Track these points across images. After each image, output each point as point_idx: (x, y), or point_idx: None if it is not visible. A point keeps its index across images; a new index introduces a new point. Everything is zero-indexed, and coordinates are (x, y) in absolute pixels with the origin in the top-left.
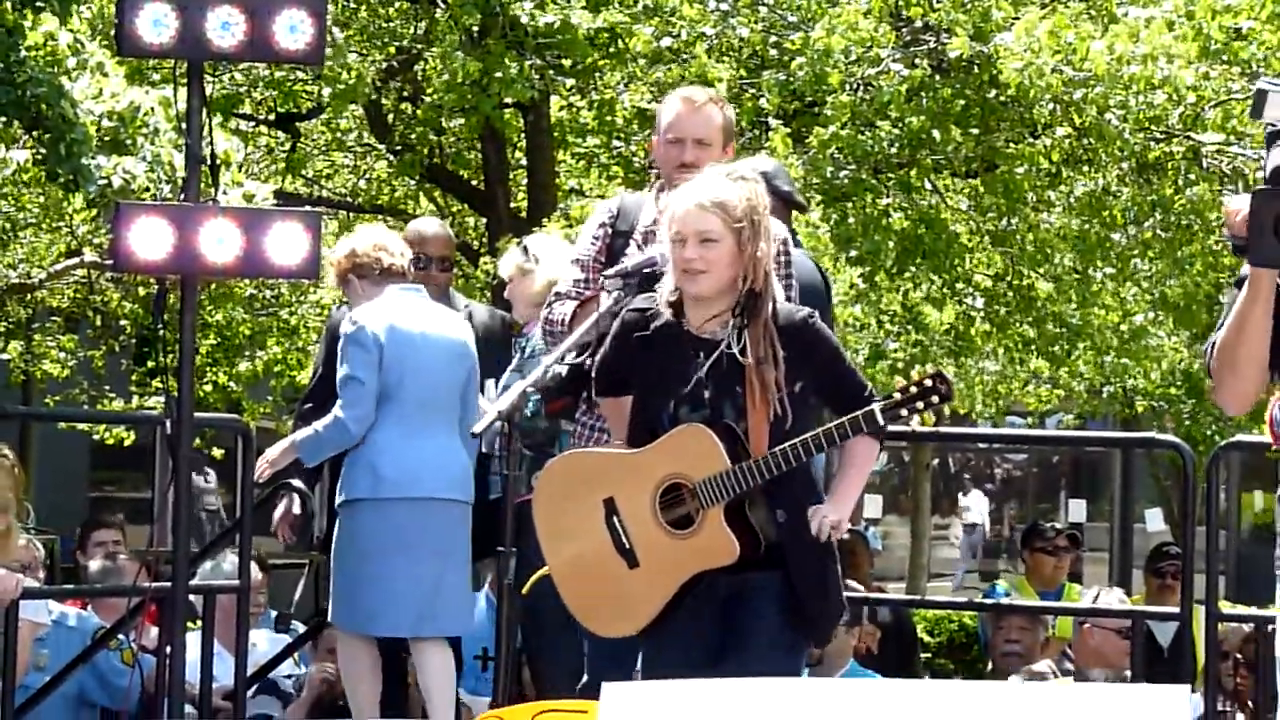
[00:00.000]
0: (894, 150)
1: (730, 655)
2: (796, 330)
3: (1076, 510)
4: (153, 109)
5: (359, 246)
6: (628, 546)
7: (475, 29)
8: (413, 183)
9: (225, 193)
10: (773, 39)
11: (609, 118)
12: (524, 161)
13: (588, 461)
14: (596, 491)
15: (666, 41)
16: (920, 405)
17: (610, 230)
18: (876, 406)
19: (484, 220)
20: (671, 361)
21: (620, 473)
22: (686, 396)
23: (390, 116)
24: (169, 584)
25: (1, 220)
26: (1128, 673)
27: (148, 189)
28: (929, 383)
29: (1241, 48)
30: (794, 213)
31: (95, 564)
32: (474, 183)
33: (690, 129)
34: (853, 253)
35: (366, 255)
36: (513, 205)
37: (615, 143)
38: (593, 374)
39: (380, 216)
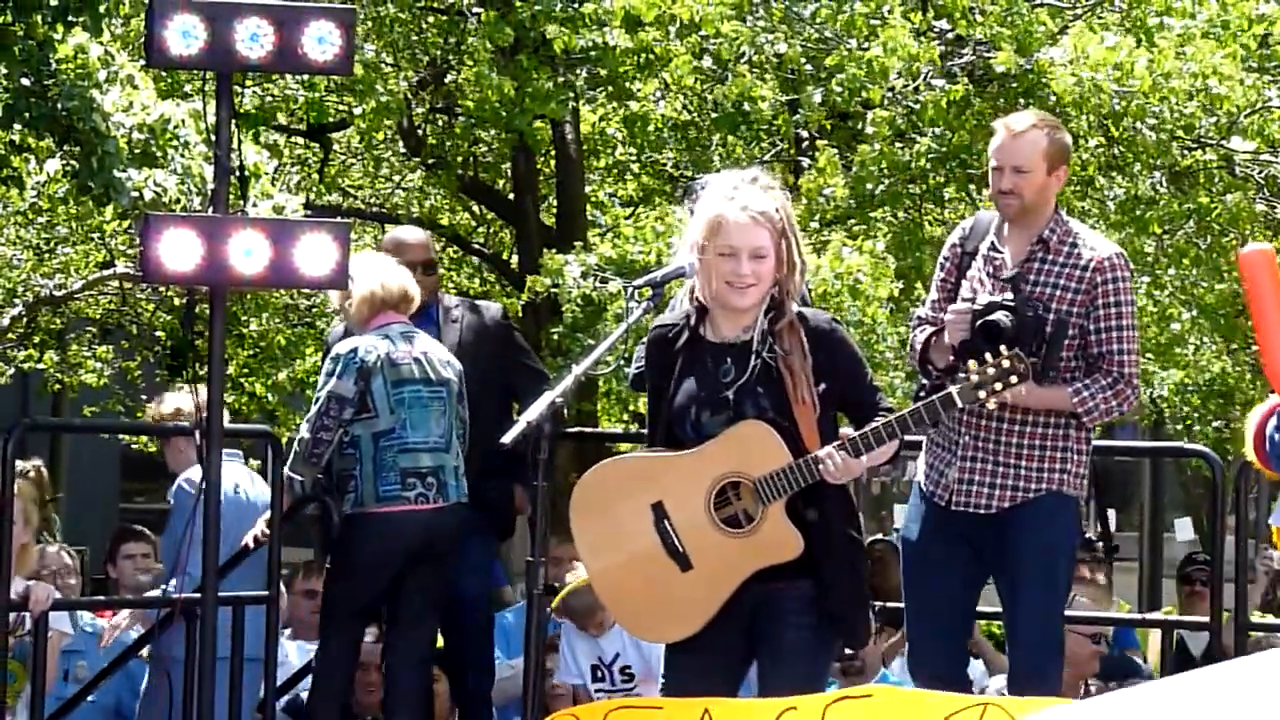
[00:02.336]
0: (930, 166)
1: (761, 662)
2: (823, 334)
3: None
4: (183, 121)
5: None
6: (680, 550)
7: (507, 45)
8: (444, 194)
9: (255, 205)
10: (810, 53)
11: (642, 128)
12: (552, 173)
13: (627, 468)
14: (643, 496)
15: (706, 61)
16: (998, 386)
17: (960, 250)
18: (955, 389)
19: (516, 231)
20: (693, 372)
21: (668, 476)
22: (707, 402)
23: (422, 129)
24: (198, 595)
25: (37, 232)
26: (1095, 680)
27: (179, 201)
28: (1007, 363)
29: (1277, 52)
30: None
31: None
32: (505, 194)
33: (1008, 156)
34: (894, 263)
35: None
36: (541, 216)
37: (647, 152)
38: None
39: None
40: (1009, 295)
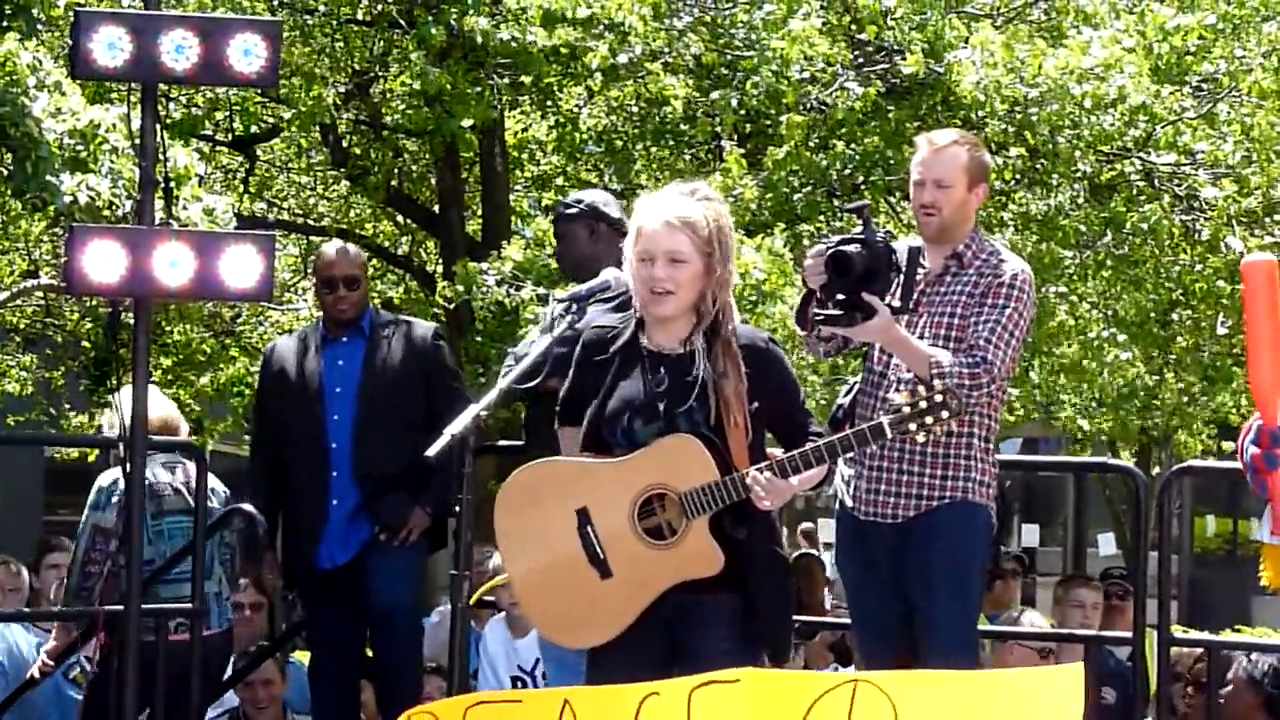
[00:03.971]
0: (848, 171)
1: (680, 672)
2: (758, 353)
3: (1029, 535)
4: (114, 125)
5: None
6: (601, 557)
7: (440, 47)
8: (368, 205)
9: (185, 207)
10: (727, 57)
11: (570, 135)
12: (477, 180)
13: (558, 471)
14: (568, 501)
15: (622, 58)
16: (929, 420)
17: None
18: (885, 420)
19: (440, 242)
20: (628, 377)
21: (595, 482)
22: (640, 410)
23: (347, 140)
24: (121, 606)
25: None
26: None
27: (111, 205)
28: (939, 397)
29: (1194, 63)
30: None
31: None
32: (430, 206)
33: (930, 170)
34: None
35: None
36: (468, 228)
37: (574, 161)
38: (560, 404)
39: (337, 238)
40: (858, 229)
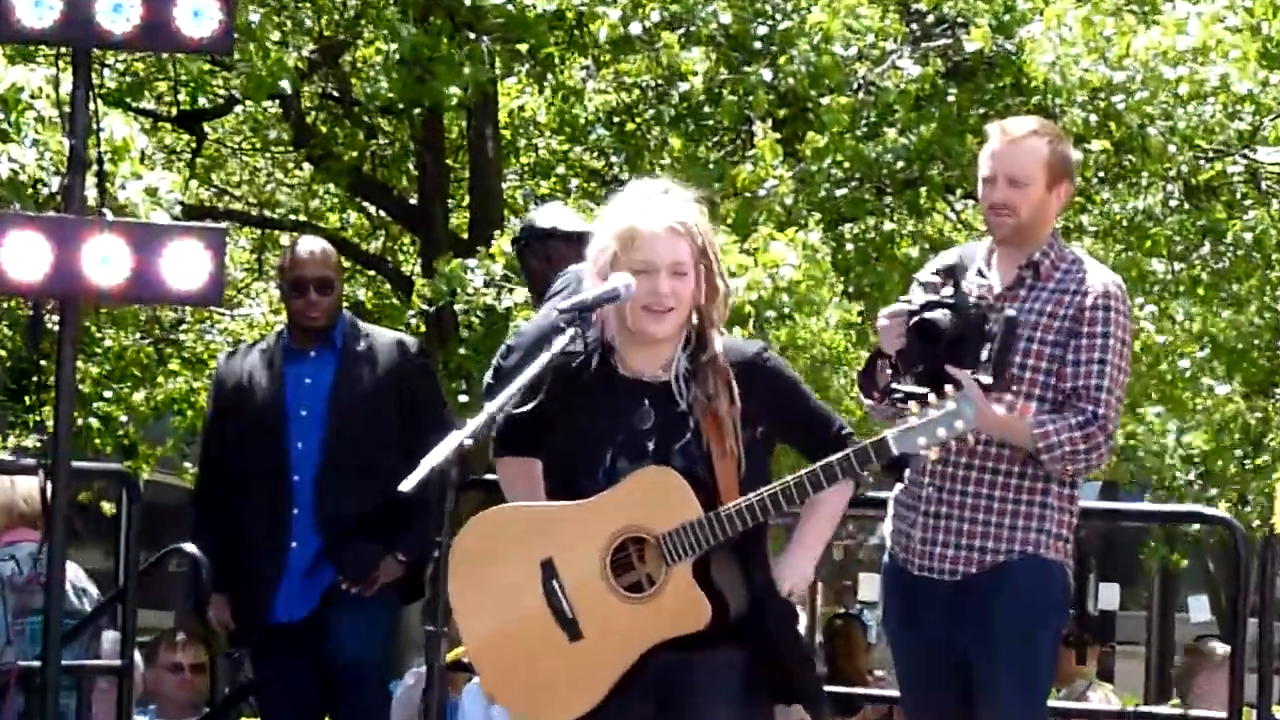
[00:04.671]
0: (901, 164)
1: None
2: (750, 367)
3: (1108, 595)
4: (40, 90)
5: None
6: (569, 616)
7: (421, 6)
8: (335, 193)
9: (123, 187)
10: (759, 28)
11: (572, 113)
12: (464, 162)
13: (515, 518)
14: (531, 552)
15: (635, 28)
16: (942, 433)
17: (945, 276)
18: (891, 435)
19: (419, 239)
20: (605, 411)
21: (561, 529)
22: (625, 446)
23: (311, 116)
24: (38, 663)
25: None
26: None
27: (39, 182)
28: (953, 404)
29: None
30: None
31: None
32: (408, 196)
33: (1003, 165)
34: (853, 285)
35: None
36: (452, 222)
37: (577, 143)
38: (501, 428)
39: (300, 233)
40: (948, 291)
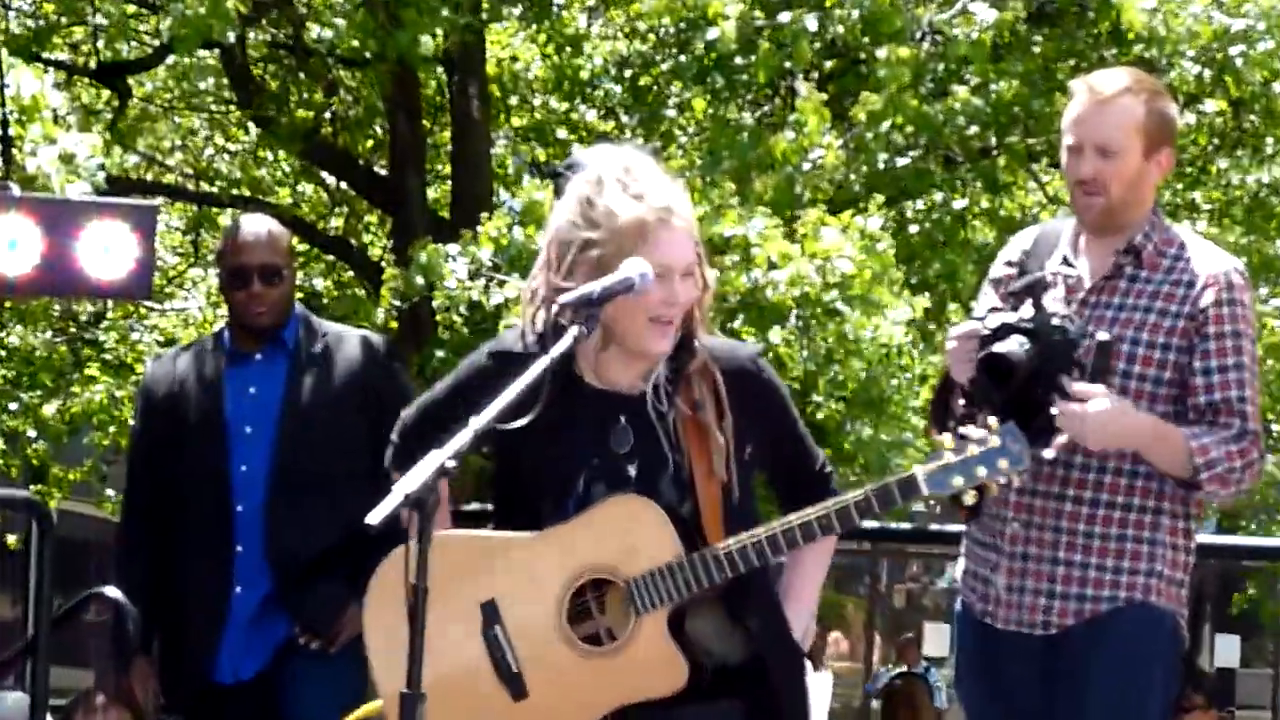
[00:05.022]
0: (974, 129)
1: None
2: (743, 374)
3: (1226, 651)
4: None
5: None
6: (514, 669)
7: None
8: (288, 162)
9: (33, 153)
10: None
11: (574, 66)
12: (445, 135)
13: (456, 545)
14: (470, 589)
15: None
16: (982, 473)
17: (1018, 271)
18: (920, 471)
19: (390, 218)
20: (572, 428)
21: (510, 564)
22: (601, 472)
23: (258, 69)
24: None
25: None
26: None
27: None
28: (996, 440)
29: None
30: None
31: None
32: (375, 165)
33: (1091, 131)
34: (915, 275)
35: None
36: (431, 196)
37: (579, 101)
38: (406, 430)
39: (243, 209)
40: (1026, 311)
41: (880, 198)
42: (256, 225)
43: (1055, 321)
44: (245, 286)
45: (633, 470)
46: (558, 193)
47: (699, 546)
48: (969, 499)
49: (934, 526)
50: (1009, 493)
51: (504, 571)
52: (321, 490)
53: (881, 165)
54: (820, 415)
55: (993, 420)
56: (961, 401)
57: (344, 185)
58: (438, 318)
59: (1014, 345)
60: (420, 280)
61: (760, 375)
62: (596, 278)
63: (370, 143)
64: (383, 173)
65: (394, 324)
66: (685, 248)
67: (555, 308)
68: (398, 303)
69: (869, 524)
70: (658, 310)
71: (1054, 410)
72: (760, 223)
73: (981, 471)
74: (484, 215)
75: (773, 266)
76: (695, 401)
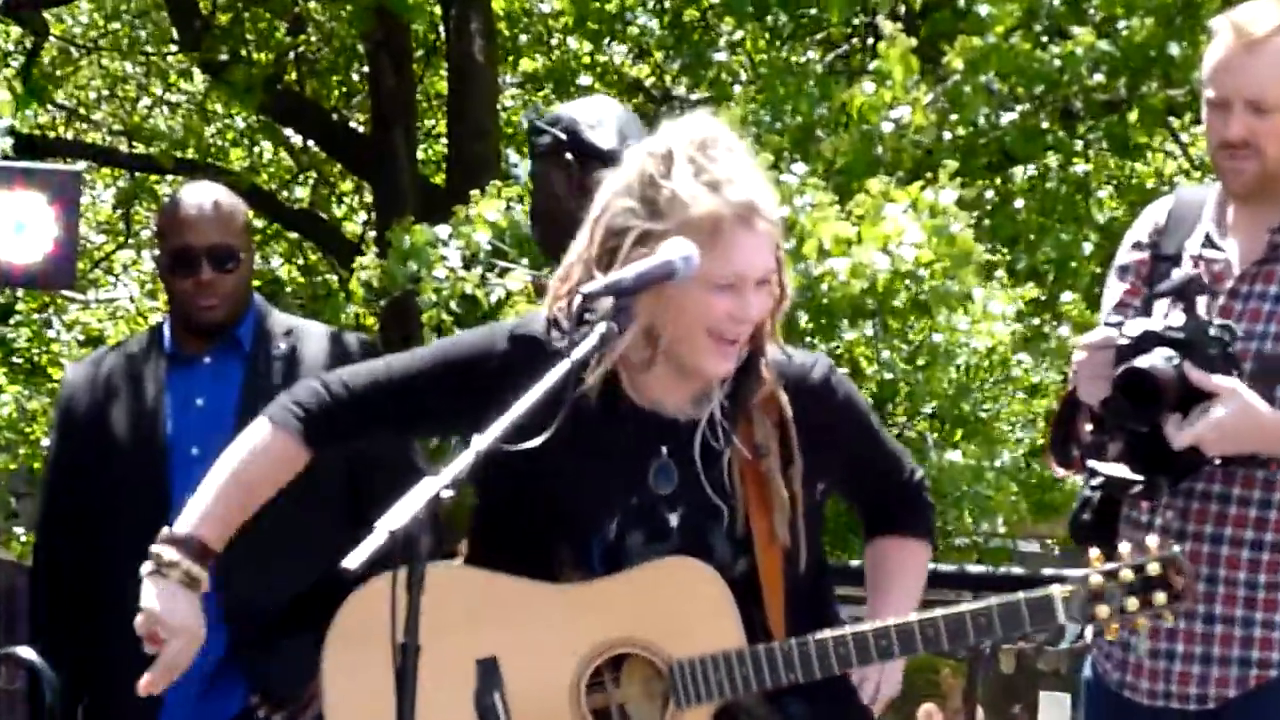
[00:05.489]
0: (1098, 79)
1: None
2: (815, 395)
3: None
4: None
5: None
6: None
7: None
8: (244, 118)
9: None
10: None
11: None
12: (440, 84)
13: (451, 584)
14: (465, 641)
15: None
16: (1131, 605)
17: (1153, 251)
18: (1058, 594)
19: (370, 186)
20: (609, 455)
21: (519, 617)
22: (638, 515)
23: (205, 2)
24: None
25: None
26: None
27: None
28: (1157, 567)
29: None
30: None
31: None
32: (351, 121)
33: (1238, 83)
34: (1022, 258)
35: None
36: (421, 159)
37: (603, 48)
38: (339, 397)
39: (185, 176)
40: (1176, 318)
41: (951, 165)
42: (205, 196)
43: (1213, 331)
44: (192, 273)
45: (674, 518)
46: (534, 156)
47: (757, 622)
48: (1111, 634)
49: (1050, 571)
50: (1146, 530)
51: (512, 625)
52: (286, 527)
53: (981, 123)
54: (897, 435)
55: (1152, 540)
56: (1089, 427)
57: (312, 146)
58: (424, 316)
59: (1160, 360)
60: (402, 270)
61: (835, 395)
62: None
63: (346, 94)
64: (361, 130)
65: (370, 320)
66: (765, 254)
67: (578, 298)
68: (373, 296)
69: (971, 568)
70: (721, 324)
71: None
72: (809, 197)
73: (1132, 604)
74: (489, 184)
75: (825, 254)
76: (757, 445)
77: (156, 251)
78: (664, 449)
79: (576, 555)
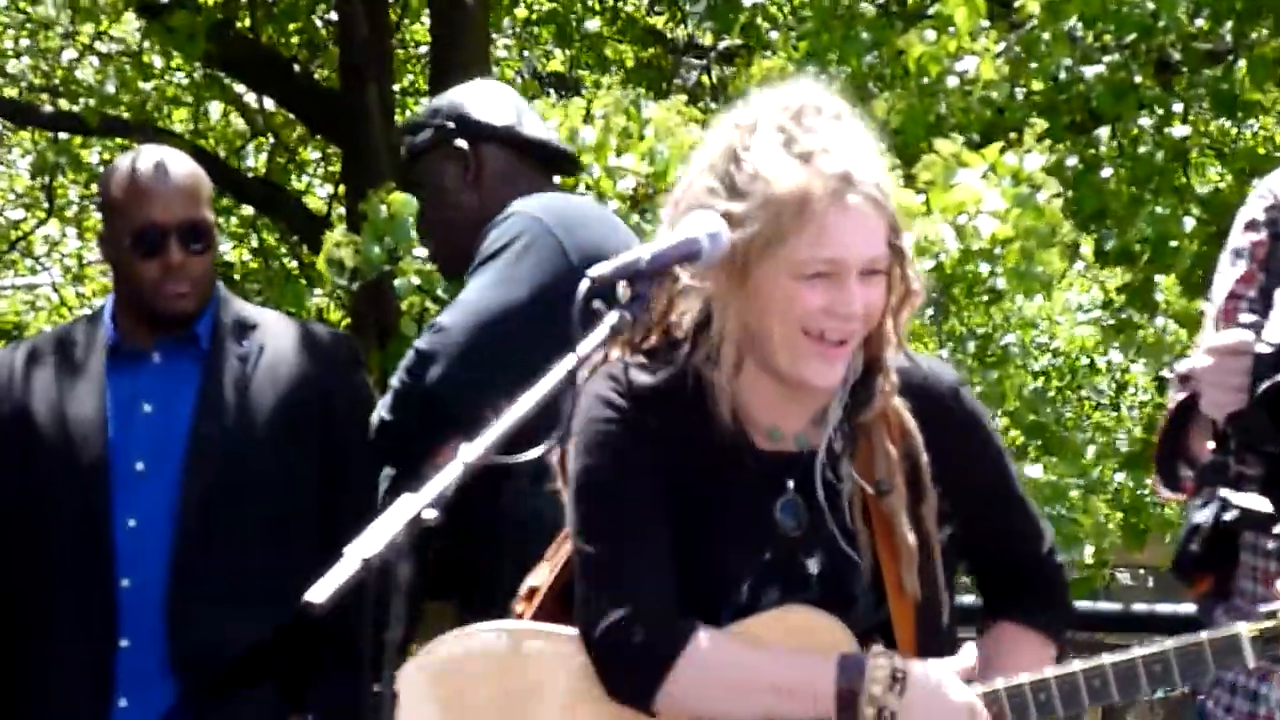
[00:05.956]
0: (1199, 25)
1: None
2: (943, 405)
3: None
4: None
5: None
6: None
7: None
8: (186, 72)
9: None
10: None
11: None
12: (421, 32)
13: (526, 654)
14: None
15: None
16: None
17: (1273, 230)
18: (1245, 631)
19: (339, 151)
20: (731, 500)
21: None
22: (775, 569)
23: None
24: None
25: None
26: None
27: None
28: None
29: None
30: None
31: None
32: (312, 74)
33: None
34: (1111, 236)
35: None
36: (398, 120)
37: None
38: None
39: (117, 140)
40: None
41: (1040, 124)
42: (170, 164)
43: None
44: (158, 255)
45: (813, 565)
46: (413, 160)
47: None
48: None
49: (1141, 607)
50: (1273, 559)
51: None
52: (249, 558)
53: (1061, 76)
54: None
55: None
56: (1211, 445)
57: (269, 104)
58: (403, 303)
59: None
60: (377, 250)
61: (966, 409)
62: (731, 269)
63: (308, 42)
64: (328, 86)
65: (335, 315)
66: (869, 237)
67: (583, 285)
68: (342, 282)
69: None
70: (816, 321)
71: None
72: None
73: None
74: None
75: None
76: (879, 481)
77: (108, 228)
78: (789, 483)
79: (717, 612)
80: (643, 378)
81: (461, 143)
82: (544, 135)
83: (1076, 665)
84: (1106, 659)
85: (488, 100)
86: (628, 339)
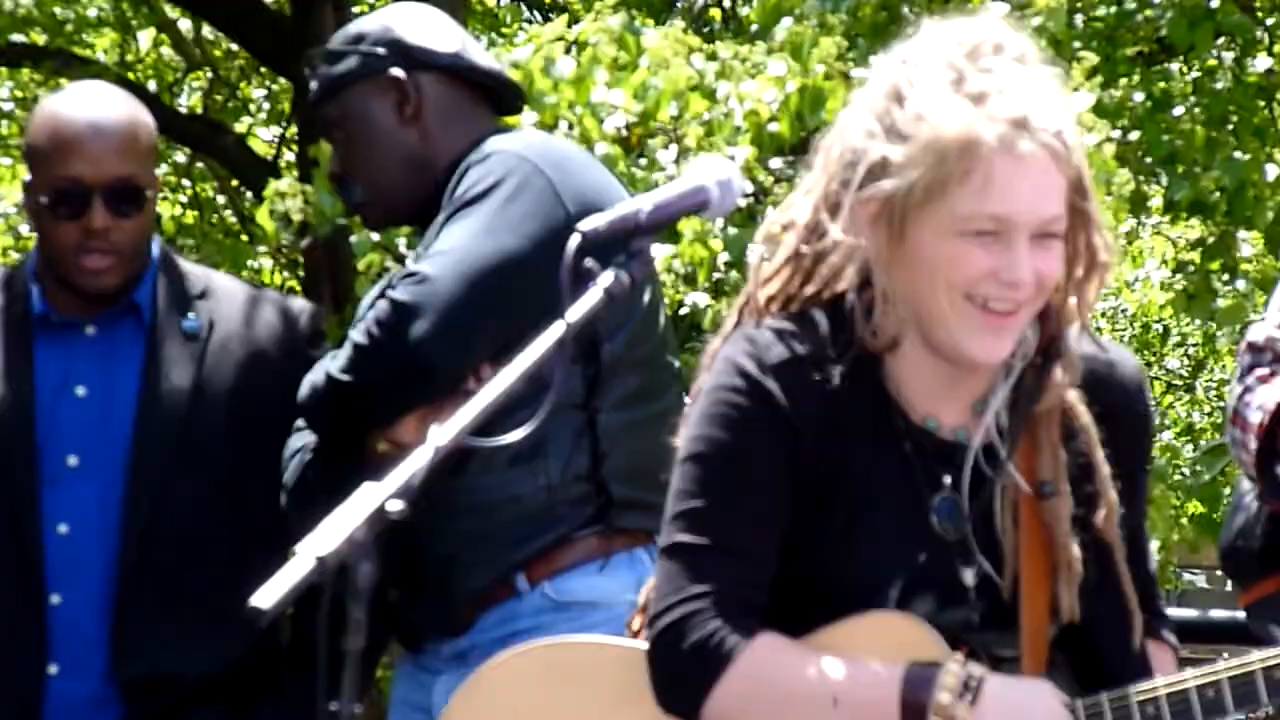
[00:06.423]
0: None
1: None
2: (1127, 395)
3: None
4: None
5: None
6: None
7: None
8: None
9: None
10: None
11: None
12: None
13: (601, 662)
14: None
15: None
16: None
17: None
18: None
19: (288, 84)
20: (884, 493)
21: None
22: (928, 575)
23: None
24: None
25: None
26: None
27: None
28: None
29: None
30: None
31: None
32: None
33: None
34: (1183, 185)
35: None
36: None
37: None
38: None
39: (30, 69)
40: None
41: (1090, 58)
42: (102, 107)
43: None
44: (77, 217)
45: (970, 575)
46: (331, 94)
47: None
48: None
49: (1220, 613)
50: None
51: None
52: (202, 568)
53: (1127, 3)
54: None
55: None
56: None
57: (207, 31)
58: (359, 263)
59: None
60: (332, 199)
61: (1146, 405)
62: (888, 224)
63: None
64: (276, 9)
65: (278, 278)
66: (1043, 191)
67: (573, 241)
68: (289, 238)
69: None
70: (980, 286)
71: None
72: None
73: None
74: None
75: None
76: (1042, 483)
77: (29, 179)
78: (946, 479)
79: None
80: (783, 346)
81: (397, 72)
82: (493, 65)
83: (1189, 675)
84: (1221, 668)
85: (425, 25)
86: (770, 298)
